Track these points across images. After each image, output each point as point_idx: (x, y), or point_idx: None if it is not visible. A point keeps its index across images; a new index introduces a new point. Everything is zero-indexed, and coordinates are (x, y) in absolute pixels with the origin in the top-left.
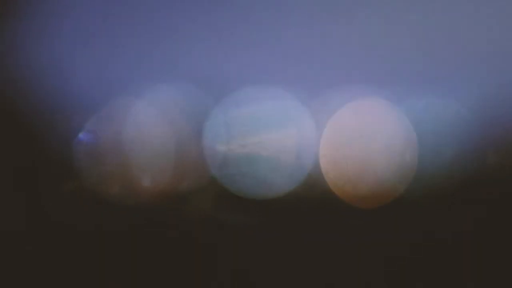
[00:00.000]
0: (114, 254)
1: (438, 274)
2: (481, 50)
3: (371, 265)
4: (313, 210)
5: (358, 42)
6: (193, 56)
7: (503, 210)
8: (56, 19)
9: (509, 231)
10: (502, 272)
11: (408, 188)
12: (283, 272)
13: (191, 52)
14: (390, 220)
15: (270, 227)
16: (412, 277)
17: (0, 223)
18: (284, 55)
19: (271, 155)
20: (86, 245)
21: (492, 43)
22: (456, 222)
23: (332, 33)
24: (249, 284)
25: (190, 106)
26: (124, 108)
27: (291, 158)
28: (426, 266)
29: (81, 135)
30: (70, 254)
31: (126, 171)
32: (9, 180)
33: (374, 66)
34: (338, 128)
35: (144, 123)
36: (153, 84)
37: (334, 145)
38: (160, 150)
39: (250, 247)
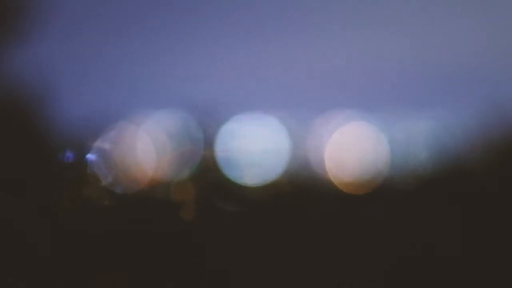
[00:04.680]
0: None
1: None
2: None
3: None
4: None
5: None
6: (190, 83)
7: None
8: (54, 46)
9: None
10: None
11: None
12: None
13: (189, 79)
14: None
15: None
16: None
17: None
18: (279, 83)
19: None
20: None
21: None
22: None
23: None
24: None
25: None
26: (122, 133)
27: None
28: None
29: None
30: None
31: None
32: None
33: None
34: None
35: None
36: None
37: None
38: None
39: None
